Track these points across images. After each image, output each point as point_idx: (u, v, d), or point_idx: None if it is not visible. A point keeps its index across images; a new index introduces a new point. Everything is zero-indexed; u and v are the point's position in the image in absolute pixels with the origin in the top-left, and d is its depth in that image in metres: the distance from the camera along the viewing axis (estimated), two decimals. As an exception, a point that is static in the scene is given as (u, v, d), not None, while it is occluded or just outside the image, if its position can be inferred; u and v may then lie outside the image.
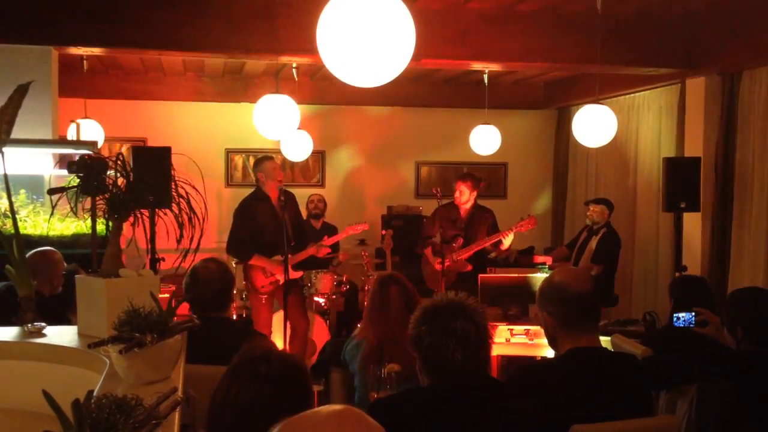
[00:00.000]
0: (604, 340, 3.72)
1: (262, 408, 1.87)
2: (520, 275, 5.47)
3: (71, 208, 2.32)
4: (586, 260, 6.50)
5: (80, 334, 2.23)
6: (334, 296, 6.65)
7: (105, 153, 6.96)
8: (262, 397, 1.88)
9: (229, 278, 3.41)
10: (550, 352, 3.91)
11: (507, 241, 5.72)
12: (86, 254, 4.57)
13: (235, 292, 5.60)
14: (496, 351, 4.58)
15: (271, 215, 5.48)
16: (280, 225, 5.17)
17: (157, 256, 4.77)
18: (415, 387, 2.27)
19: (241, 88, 8.04)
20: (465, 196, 5.88)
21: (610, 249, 6.50)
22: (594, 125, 4.94)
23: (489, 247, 5.88)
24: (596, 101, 5.05)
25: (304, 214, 6.74)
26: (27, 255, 3.85)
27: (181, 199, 2.30)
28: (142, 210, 2.28)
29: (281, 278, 5.35)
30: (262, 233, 5.50)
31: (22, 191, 4.82)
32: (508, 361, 4.78)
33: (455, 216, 5.94)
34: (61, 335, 2.23)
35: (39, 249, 4.04)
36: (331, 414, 1.13)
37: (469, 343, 2.10)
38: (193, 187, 2.37)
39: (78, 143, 5.40)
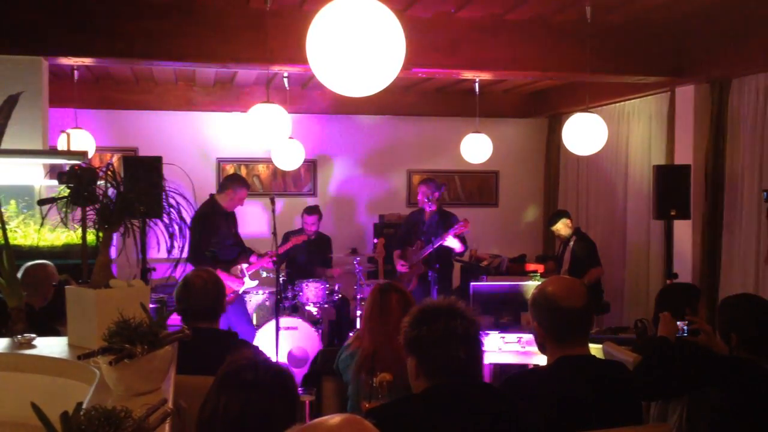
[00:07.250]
0: (596, 348, 3.71)
1: (251, 417, 1.87)
2: (512, 283, 5.48)
3: (61, 219, 2.31)
4: (565, 272, 6.64)
5: (70, 346, 2.22)
6: (326, 306, 6.65)
7: (95, 163, 6.96)
8: (252, 405, 1.87)
9: (222, 288, 3.42)
10: (542, 361, 3.90)
11: (450, 243, 6.02)
12: (77, 265, 4.55)
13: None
14: (488, 359, 4.58)
15: (227, 228, 5.93)
16: (238, 238, 5.93)
17: (147, 266, 4.76)
18: (411, 394, 2.24)
19: (232, 98, 8.03)
20: (427, 199, 6.20)
21: (586, 253, 6.64)
22: (584, 133, 4.97)
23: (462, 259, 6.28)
24: (586, 109, 5.07)
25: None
26: (27, 267, 3.89)
27: (171, 209, 2.30)
28: (132, 220, 2.27)
29: (239, 288, 5.85)
30: (222, 247, 5.84)
31: (13, 202, 4.80)
32: (501, 369, 4.77)
33: (421, 220, 6.32)
34: (51, 346, 2.21)
35: (39, 262, 4.05)
36: (339, 423, 1.14)
37: (470, 342, 2.10)
38: (184, 197, 2.37)
39: (68, 153, 5.36)
